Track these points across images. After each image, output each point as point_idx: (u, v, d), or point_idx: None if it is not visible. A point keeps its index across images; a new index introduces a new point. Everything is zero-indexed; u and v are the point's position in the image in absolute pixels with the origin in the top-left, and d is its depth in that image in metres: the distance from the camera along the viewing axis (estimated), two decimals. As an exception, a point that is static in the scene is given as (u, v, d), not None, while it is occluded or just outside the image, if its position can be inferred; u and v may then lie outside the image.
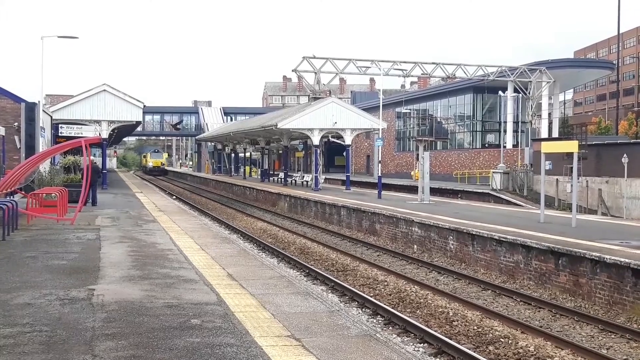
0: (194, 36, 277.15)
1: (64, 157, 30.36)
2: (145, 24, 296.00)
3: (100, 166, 37.25)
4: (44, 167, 27.30)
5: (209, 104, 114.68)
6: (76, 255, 13.53)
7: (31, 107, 29.12)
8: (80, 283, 10.47)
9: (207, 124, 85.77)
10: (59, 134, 37.04)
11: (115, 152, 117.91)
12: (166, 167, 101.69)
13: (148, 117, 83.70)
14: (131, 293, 9.80)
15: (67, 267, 12.01)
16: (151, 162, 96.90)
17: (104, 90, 38.22)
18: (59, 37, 34.22)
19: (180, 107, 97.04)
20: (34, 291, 9.76)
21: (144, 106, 40.16)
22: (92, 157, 28.31)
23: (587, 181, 35.34)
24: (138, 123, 43.71)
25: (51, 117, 36.27)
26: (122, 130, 51.36)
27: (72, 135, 35.23)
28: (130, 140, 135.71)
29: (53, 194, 21.45)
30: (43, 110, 31.63)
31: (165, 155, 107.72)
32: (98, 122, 38.20)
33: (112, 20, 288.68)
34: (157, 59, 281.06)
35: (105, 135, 38.23)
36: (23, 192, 22.83)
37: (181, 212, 26.73)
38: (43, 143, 30.30)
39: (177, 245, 15.29)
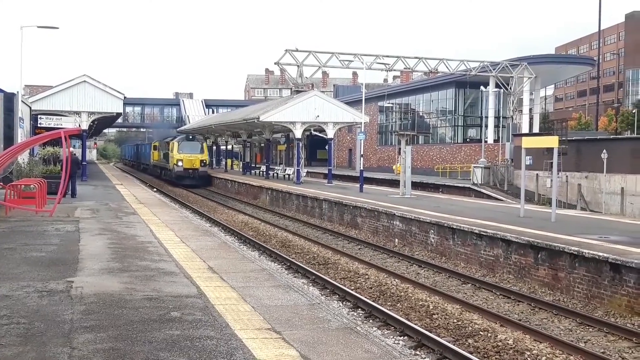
0: (176, 28, 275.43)
1: (43, 149, 30.04)
2: (126, 15, 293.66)
3: (80, 158, 36.95)
4: (23, 158, 27.01)
5: (191, 96, 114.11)
6: (55, 247, 13.41)
7: (10, 98, 28.74)
8: (59, 275, 10.38)
9: (188, 116, 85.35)
10: (38, 125, 36.62)
11: (95, 143, 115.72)
12: (208, 171, 54.19)
13: (129, 109, 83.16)
14: (110, 285, 9.73)
15: (45, 259, 11.90)
16: (182, 158, 49.60)
17: (84, 81, 37.89)
18: (38, 27, 33.90)
19: (162, 99, 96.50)
20: (12, 283, 9.66)
21: (125, 98, 39.86)
22: (71, 149, 28.06)
23: (566, 176, 35.64)
24: (119, 115, 43.40)
25: (30, 107, 35.88)
26: (103, 122, 50.94)
27: (52, 126, 34.82)
28: (110, 132, 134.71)
29: (32, 186, 21.25)
30: (22, 101, 31.28)
31: (206, 147, 55.20)
32: (78, 113, 37.84)
33: (93, 11, 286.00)
34: (138, 51, 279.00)
35: (85, 126, 37.90)
36: (1, 184, 22.56)
37: (162, 204, 26.59)
38: (22, 134, 29.96)
39: (158, 238, 15.21)
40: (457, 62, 48.43)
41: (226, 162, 65.05)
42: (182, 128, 79.57)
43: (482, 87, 51.60)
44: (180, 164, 49.44)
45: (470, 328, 11.49)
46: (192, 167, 49.56)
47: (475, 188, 41.06)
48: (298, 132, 39.75)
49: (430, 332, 11.00)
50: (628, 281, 12.53)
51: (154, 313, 8.17)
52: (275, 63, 42.39)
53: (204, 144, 53.71)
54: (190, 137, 53.21)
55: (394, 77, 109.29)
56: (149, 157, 66.01)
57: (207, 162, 53.32)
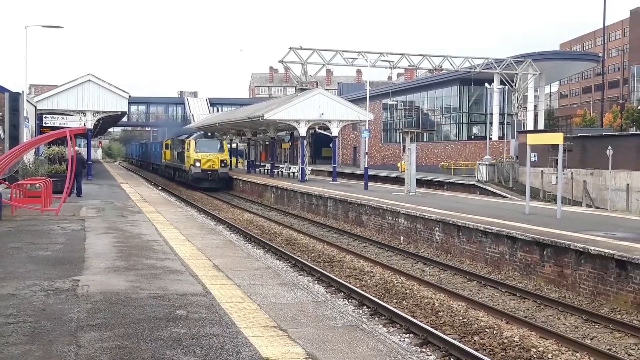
0: (180, 26, 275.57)
1: (49, 148, 30.11)
2: (130, 14, 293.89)
3: (85, 157, 37.02)
4: (28, 157, 27.09)
5: (195, 94, 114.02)
6: (61, 246, 13.44)
7: (15, 97, 28.87)
8: (65, 274, 10.40)
9: (193, 115, 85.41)
10: (43, 124, 36.71)
11: (100, 142, 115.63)
12: (229, 172, 47.79)
13: (133, 108, 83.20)
14: (116, 284, 9.75)
15: (51, 258, 11.93)
16: (199, 158, 43.90)
17: (89, 80, 37.94)
18: (43, 26, 34.06)
19: (166, 98, 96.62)
20: (18, 282, 9.69)
21: (129, 96, 39.91)
22: (76, 148, 28.12)
23: (572, 173, 35.58)
24: (123, 114, 43.42)
25: (35, 107, 35.96)
26: (107, 121, 51.08)
27: (57, 125, 34.92)
28: (115, 130, 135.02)
29: (37, 185, 21.30)
30: (27, 101, 31.37)
31: (226, 145, 49.41)
32: (83, 112, 37.91)
33: (98, 10, 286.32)
34: (142, 49, 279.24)
35: (90, 125, 37.96)
36: (7, 183, 22.64)
37: (167, 203, 26.62)
38: (27, 133, 30.07)
39: (163, 236, 15.23)
40: (461, 60, 48.37)
41: (231, 161, 65.09)
42: (187, 127, 79.72)
43: (486, 84, 51.54)
44: (197, 164, 43.67)
45: (475, 325, 11.48)
46: (211, 168, 43.93)
47: (480, 185, 41.02)
48: (302, 130, 39.76)
49: (436, 329, 10.99)
50: (634, 278, 12.50)
51: (159, 311, 8.19)
52: (279, 61, 42.39)
53: (224, 142, 47.89)
54: (209, 134, 47.41)
55: (398, 75, 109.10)
56: (160, 157, 60.56)
57: (228, 162, 47.44)
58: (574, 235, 15.49)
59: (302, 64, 41.61)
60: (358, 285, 14.82)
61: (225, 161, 45.42)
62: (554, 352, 10.08)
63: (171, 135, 58.17)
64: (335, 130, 40.47)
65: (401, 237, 21.91)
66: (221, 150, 45.60)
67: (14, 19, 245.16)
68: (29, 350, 6.50)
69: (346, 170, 58.11)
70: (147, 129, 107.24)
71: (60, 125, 34.10)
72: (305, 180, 39.89)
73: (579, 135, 39.53)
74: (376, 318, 12.01)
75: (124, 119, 70.01)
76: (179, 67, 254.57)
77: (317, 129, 44.62)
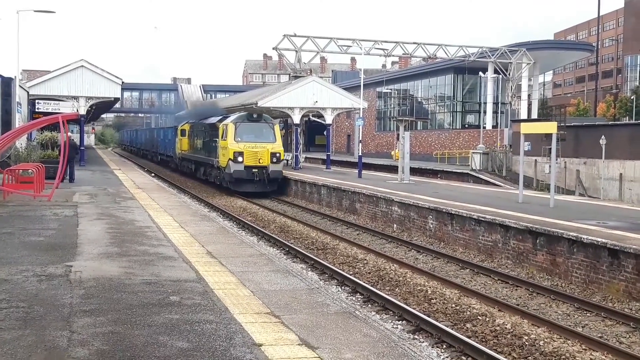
0: (173, 12, 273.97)
1: (41, 133, 29.98)
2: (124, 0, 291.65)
3: (77, 143, 36.88)
4: (21, 143, 26.97)
5: (189, 81, 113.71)
6: (53, 231, 13.40)
7: (7, 83, 28.70)
8: (58, 259, 10.38)
9: (186, 102, 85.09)
10: (36, 110, 36.54)
11: (93, 129, 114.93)
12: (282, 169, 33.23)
13: (127, 94, 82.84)
14: (109, 270, 9.73)
15: (44, 243, 11.90)
16: (241, 151, 30.83)
17: (82, 66, 37.74)
18: (35, 11, 33.76)
19: (160, 84, 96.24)
20: (11, 267, 9.66)
21: (123, 82, 39.71)
22: (69, 134, 27.99)
23: (565, 162, 35.65)
24: (116, 100, 43.19)
25: (28, 92, 35.75)
26: (101, 107, 50.74)
27: (50, 111, 34.74)
28: (108, 117, 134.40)
29: (30, 170, 21.22)
30: (19, 86, 31.19)
31: (279, 132, 33.41)
32: (76, 98, 37.72)
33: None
34: (135, 35, 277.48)
35: (83, 111, 37.78)
36: (-1, 168, 22.54)
37: (160, 189, 26.55)
38: (19, 119, 29.91)
39: (156, 223, 15.20)
40: (455, 48, 48.30)
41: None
42: (180, 113, 79.24)
43: (480, 73, 51.50)
44: (239, 159, 30.88)
45: (468, 313, 11.52)
46: (258, 165, 31.15)
47: (474, 174, 41.07)
48: (296, 118, 39.66)
49: (429, 316, 11.03)
50: (626, 266, 12.56)
51: (153, 297, 8.18)
52: (273, 48, 42.24)
53: (276, 127, 33.41)
54: (254, 115, 32.86)
55: (393, 63, 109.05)
56: (173, 146, 47.39)
57: (282, 156, 33.10)
58: (567, 224, 15.53)
59: (296, 51, 41.47)
60: (351, 272, 14.83)
61: (278, 155, 31.98)
62: (545, 340, 10.13)
63: (187, 119, 44.86)
64: (329, 118, 40.41)
65: (395, 225, 21.93)
66: (273, 138, 32.22)
67: (6, 3, 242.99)
68: (22, 336, 6.48)
69: (340, 158, 58.05)
70: (140, 115, 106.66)
71: (53, 111, 33.91)
72: (299, 167, 39.86)
73: (572, 124, 39.57)
74: (369, 305, 12.03)
75: (117, 105, 69.65)
76: (173, 54, 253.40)
77: (311, 117, 44.50)
